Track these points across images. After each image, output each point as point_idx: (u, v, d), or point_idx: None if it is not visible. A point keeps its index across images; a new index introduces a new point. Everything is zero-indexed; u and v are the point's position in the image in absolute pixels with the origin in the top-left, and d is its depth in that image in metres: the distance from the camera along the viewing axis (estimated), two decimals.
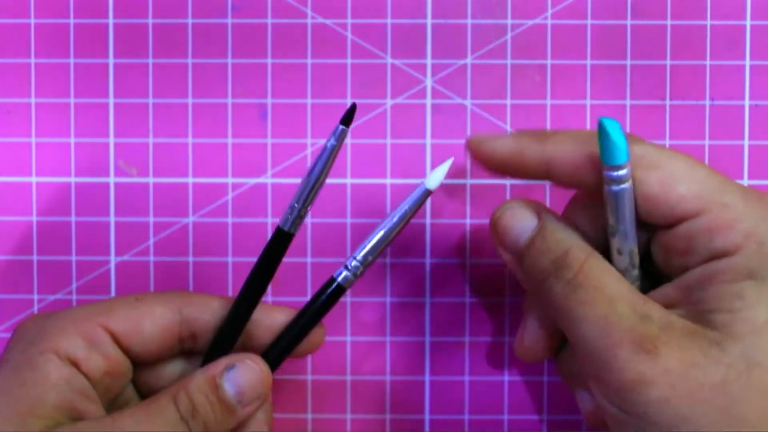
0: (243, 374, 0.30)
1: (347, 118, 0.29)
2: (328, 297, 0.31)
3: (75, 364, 0.29)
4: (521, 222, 0.30)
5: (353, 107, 0.29)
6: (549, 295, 0.28)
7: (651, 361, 0.26)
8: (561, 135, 0.30)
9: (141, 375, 0.32)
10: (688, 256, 0.28)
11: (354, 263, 0.31)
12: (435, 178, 0.30)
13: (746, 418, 0.26)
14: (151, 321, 0.30)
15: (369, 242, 0.31)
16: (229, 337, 0.31)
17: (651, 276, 0.30)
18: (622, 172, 0.27)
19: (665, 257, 0.29)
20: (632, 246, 0.29)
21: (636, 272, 0.29)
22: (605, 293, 0.27)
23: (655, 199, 0.28)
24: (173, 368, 0.32)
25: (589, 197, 0.30)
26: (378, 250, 0.31)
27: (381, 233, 0.31)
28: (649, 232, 0.29)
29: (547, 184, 0.36)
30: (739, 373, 0.26)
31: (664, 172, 0.28)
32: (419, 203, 0.30)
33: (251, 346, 0.31)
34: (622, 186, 0.28)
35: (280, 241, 0.31)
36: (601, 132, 0.27)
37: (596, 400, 0.29)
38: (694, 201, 0.27)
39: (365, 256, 0.31)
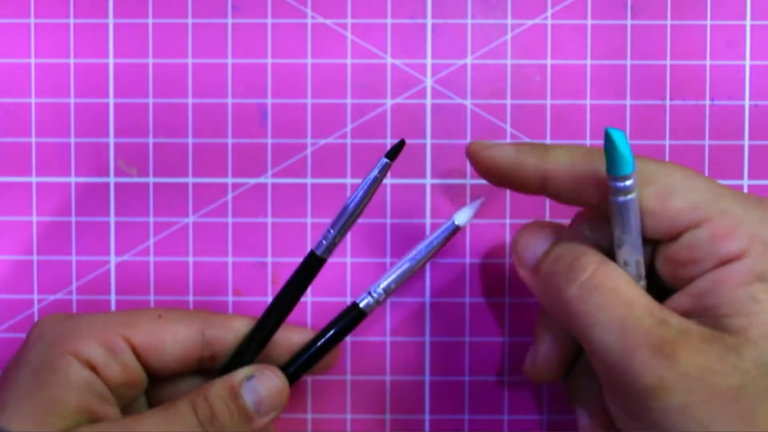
0: (262, 384, 0.30)
1: (393, 152, 0.29)
2: (348, 322, 0.32)
3: (93, 369, 0.29)
4: (539, 240, 0.30)
5: (402, 143, 0.29)
6: (564, 301, 0.28)
7: (670, 366, 0.26)
8: (560, 149, 0.29)
9: (154, 387, 0.32)
10: (694, 265, 0.28)
11: (378, 291, 0.31)
12: (464, 215, 0.31)
13: (763, 425, 0.26)
14: (173, 339, 0.31)
15: (394, 272, 0.32)
16: (249, 353, 0.31)
17: (656, 290, 0.29)
18: (628, 183, 0.27)
19: (670, 270, 0.29)
20: (639, 256, 0.29)
21: (643, 283, 0.29)
22: (621, 296, 0.27)
23: (654, 214, 0.28)
24: (188, 383, 0.32)
25: (591, 212, 0.30)
26: (401, 280, 0.32)
27: (406, 265, 0.32)
28: (651, 246, 0.29)
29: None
30: (755, 379, 0.26)
31: (660, 185, 0.28)
32: (447, 239, 0.32)
33: (268, 363, 0.32)
34: (629, 197, 0.27)
35: (312, 265, 0.31)
36: (608, 142, 0.27)
37: (598, 419, 0.29)
38: (693, 212, 0.27)
39: (389, 285, 0.31)
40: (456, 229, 0.31)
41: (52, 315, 0.31)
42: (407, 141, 0.36)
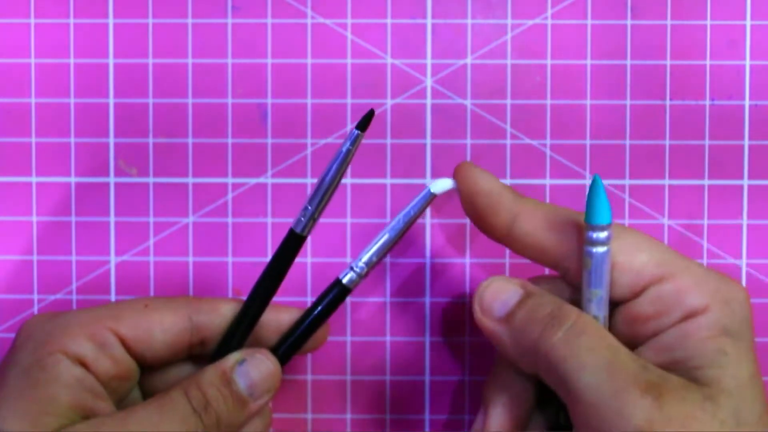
0: (254, 368, 0.30)
1: (363, 123, 0.29)
2: (333, 298, 0.31)
3: (83, 365, 0.29)
4: (507, 291, 0.30)
5: (371, 113, 0.29)
6: (547, 347, 0.28)
7: (658, 408, 0.26)
8: (535, 200, 0.30)
9: (147, 377, 0.32)
10: (659, 319, 0.28)
11: (359, 265, 0.31)
12: (441, 184, 0.31)
13: None
14: (161, 328, 0.31)
15: (374, 245, 0.31)
16: (238, 336, 0.31)
17: None
18: (605, 233, 0.28)
19: (630, 328, 0.29)
20: (606, 312, 0.29)
21: None
22: (607, 340, 0.28)
23: (621, 267, 0.29)
24: (180, 371, 0.32)
25: (548, 276, 0.31)
26: (382, 252, 0.31)
27: (386, 236, 0.31)
28: (609, 306, 0.30)
29: (547, 184, 0.36)
30: (732, 430, 0.26)
31: (625, 241, 0.29)
32: (423, 207, 0.31)
33: (258, 345, 0.32)
34: (605, 249, 0.28)
35: (293, 243, 0.31)
36: (595, 189, 0.28)
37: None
38: (658, 267, 0.29)
39: (370, 258, 0.31)
40: (432, 197, 0.31)
41: (39, 315, 0.31)
42: (407, 141, 0.36)
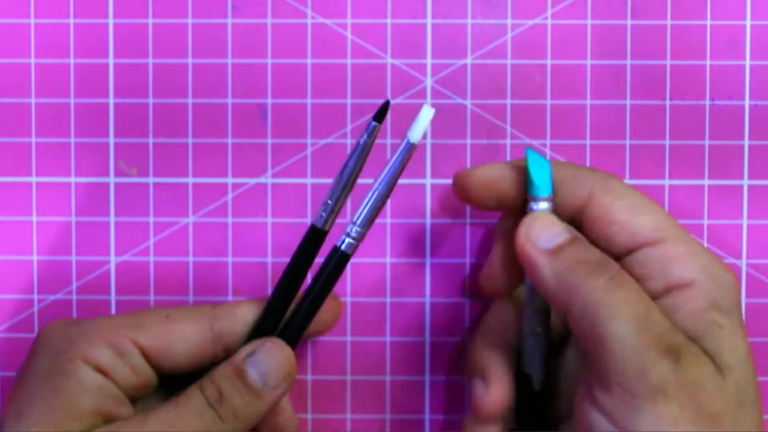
0: (265, 357, 0.30)
1: (380, 115, 0.29)
2: (334, 266, 0.31)
3: (103, 373, 0.29)
4: (557, 227, 0.30)
5: (387, 104, 0.29)
6: (587, 289, 0.28)
7: (675, 370, 0.26)
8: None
9: (171, 386, 0.32)
10: (643, 282, 0.29)
11: (355, 229, 0.30)
12: (417, 131, 0.30)
13: None
14: (182, 338, 0.31)
15: (365, 207, 0.30)
16: (261, 336, 0.31)
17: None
18: (546, 205, 0.30)
19: None
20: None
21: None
22: (643, 297, 0.28)
23: (620, 224, 0.29)
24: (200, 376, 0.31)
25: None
26: (374, 213, 0.31)
27: (375, 195, 0.30)
28: None
29: None
30: (735, 410, 0.27)
31: (632, 201, 0.30)
32: (405, 160, 0.30)
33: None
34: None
35: (315, 238, 0.31)
36: (530, 161, 0.30)
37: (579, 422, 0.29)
38: (655, 231, 0.29)
39: (364, 220, 0.30)
40: (412, 147, 0.30)
41: (57, 321, 0.31)
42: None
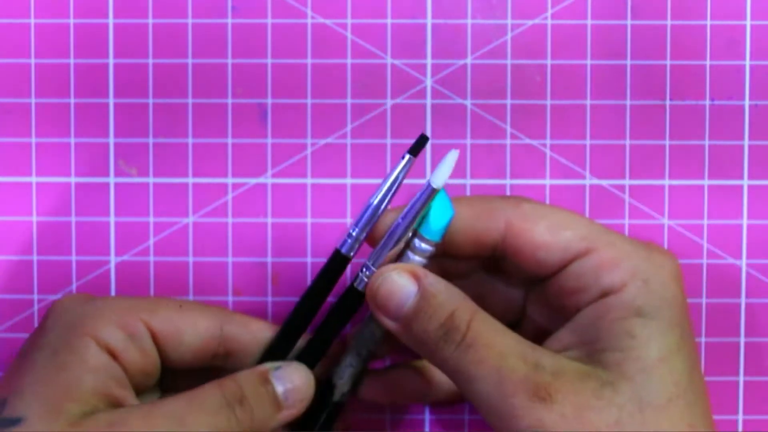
0: (291, 374, 0.30)
1: (416, 149, 0.29)
2: (347, 307, 0.31)
3: (112, 353, 0.29)
4: (401, 288, 0.29)
5: (424, 138, 0.29)
6: (442, 359, 0.28)
7: (547, 408, 0.27)
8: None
9: (166, 380, 0.32)
10: (578, 295, 0.29)
11: (367, 270, 0.30)
12: (441, 176, 0.29)
13: None
14: (193, 330, 0.31)
15: (383, 249, 0.30)
16: (278, 356, 0.31)
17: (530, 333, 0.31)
18: (431, 249, 0.29)
19: (557, 302, 0.30)
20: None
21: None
22: (495, 349, 0.28)
23: (546, 246, 0.29)
24: (200, 380, 0.30)
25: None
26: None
27: (394, 239, 0.30)
28: (534, 285, 0.30)
29: (547, 184, 0.36)
30: (632, 414, 0.27)
31: (551, 220, 0.29)
32: (425, 203, 0.30)
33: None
34: (425, 261, 0.30)
35: (338, 263, 0.31)
36: (439, 203, 0.29)
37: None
38: (582, 241, 0.29)
39: (376, 261, 0.30)
40: (433, 192, 0.29)
41: (72, 296, 0.31)
42: (407, 141, 0.36)
